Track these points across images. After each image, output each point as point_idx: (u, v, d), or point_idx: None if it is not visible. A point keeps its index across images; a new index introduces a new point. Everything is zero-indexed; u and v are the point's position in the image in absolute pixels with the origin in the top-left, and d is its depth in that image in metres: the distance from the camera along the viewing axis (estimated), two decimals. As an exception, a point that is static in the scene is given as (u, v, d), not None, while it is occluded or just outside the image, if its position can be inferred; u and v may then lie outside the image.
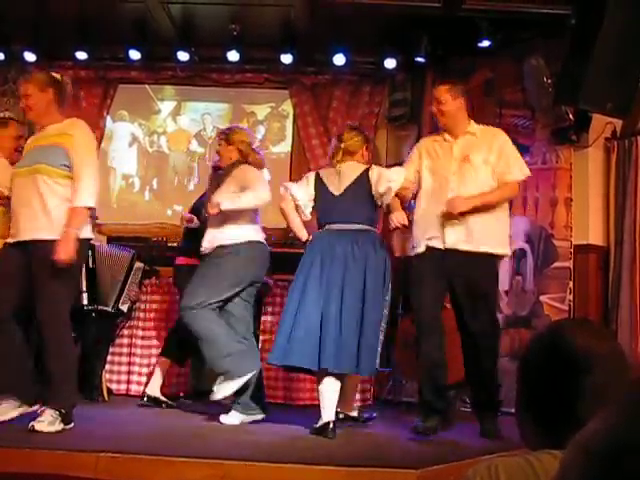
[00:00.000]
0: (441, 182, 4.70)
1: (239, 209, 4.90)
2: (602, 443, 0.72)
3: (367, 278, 4.63)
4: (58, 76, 4.44)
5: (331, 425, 4.45)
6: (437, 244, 4.64)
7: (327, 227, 4.83)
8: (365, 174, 4.85)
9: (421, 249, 4.69)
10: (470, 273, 4.56)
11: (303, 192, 4.94)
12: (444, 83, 4.88)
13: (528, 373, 1.47)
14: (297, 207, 4.93)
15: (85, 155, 4.24)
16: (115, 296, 5.96)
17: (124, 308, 6.05)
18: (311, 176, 5.04)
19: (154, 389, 5.67)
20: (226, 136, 5.27)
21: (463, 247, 4.58)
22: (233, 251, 4.94)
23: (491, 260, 4.65)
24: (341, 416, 4.89)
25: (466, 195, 4.58)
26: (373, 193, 4.78)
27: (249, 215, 5.02)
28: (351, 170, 4.90)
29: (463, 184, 4.63)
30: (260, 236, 5.09)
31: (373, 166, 4.96)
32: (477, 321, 4.58)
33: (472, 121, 4.88)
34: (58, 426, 4.10)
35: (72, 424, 4.19)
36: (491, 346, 4.66)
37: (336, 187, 4.88)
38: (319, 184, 4.93)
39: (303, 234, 4.92)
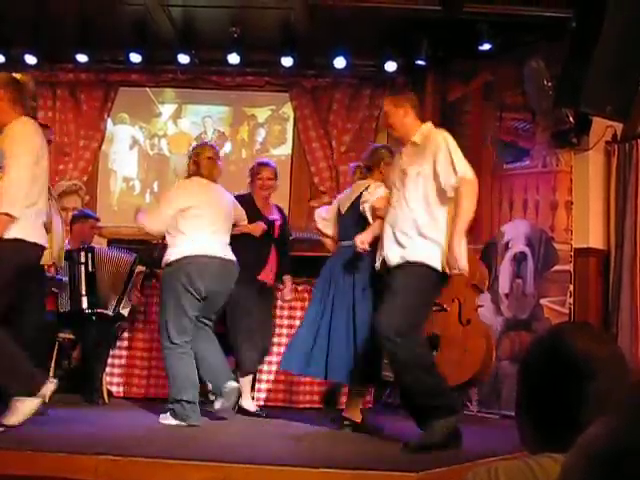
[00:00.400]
0: (390, 196, 4.56)
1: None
2: (603, 447, 0.72)
3: (355, 293, 4.81)
4: (18, 76, 4.39)
5: None
6: (381, 261, 4.49)
7: (338, 244, 5.10)
8: (364, 191, 4.97)
9: (376, 265, 4.57)
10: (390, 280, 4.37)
11: (324, 213, 5.33)
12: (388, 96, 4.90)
13: (529, 377, 1.47)
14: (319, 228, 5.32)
15: (13, 157, 4.10)
16: (116, 300, 5.96)
17: (125, 312, 6.05)
18: (337, 198, 5.42)
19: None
20: (193, 150, 5.38)
21: (392, 262, 4.37)
22: (164, 274, 5.07)
23: (412, 268, 4.27)
24: (346, 422, 4.91)
25: (411, 210, 4.34)
26: None
27: (174, 234, 5.02)
28: (358, 188, 5.04)
29: (403, 198, 4.37)
30: (194, 250, 4.96)
31: (372, 184, 4.95)
32: (380, 318, 4.28)
33: (422, 126, 4.52)
34: (32, 405, 4.13)
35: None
36: (407, 359, 4.24)
37: (343, 206, 5.10)
38: (339, 205, 5.21)
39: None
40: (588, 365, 1.35)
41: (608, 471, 0.70)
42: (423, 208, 4.32)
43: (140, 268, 6.11)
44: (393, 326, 4.18)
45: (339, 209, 5.15)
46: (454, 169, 4.24)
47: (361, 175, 5.16)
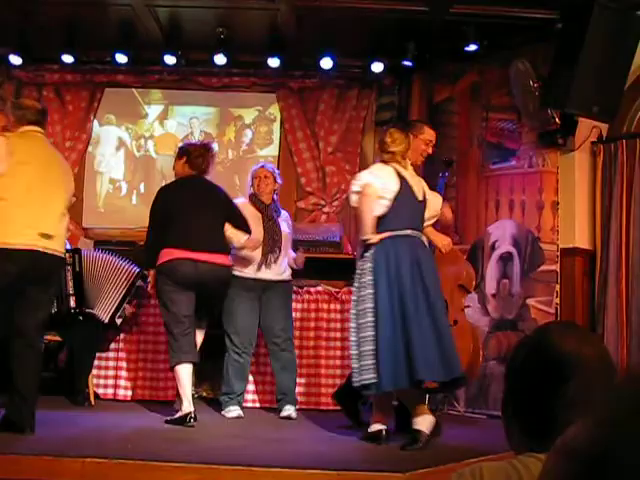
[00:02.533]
0: None
1: None
2: (582, 446, 0.72)
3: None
4: None
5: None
6: None
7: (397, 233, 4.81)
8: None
9: None
10: None
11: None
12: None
13: (514, 376, 1.47)
14: None
15: None
16: (114, 308, 5.92)
17: (119, 322, 6.01)
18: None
19: None
20: None
21: None
22: None
23: None
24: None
25: None
26: None
27: None
28: (417, 177, 4.98)
29: None
30: None
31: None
32: None
33: None
34: None
35: None
36: None
37: (416, 192, 4.84)
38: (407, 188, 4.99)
39: None
40: (572, 364, 1.35)
41: (587, 471, 0.70)
42: None
43: (140, 283, 6.06)
44: None
45: (412, 193, 4.72)
46: None
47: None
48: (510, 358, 1.51)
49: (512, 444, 1.47)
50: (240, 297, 5.62)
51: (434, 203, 4.90)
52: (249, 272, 5.66)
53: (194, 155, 5.45)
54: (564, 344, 1.40)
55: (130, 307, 6.07)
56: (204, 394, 6.32)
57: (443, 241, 4.98)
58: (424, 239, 4.70)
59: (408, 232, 4.57)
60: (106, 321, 5.89)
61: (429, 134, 5.08)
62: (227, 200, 5.50)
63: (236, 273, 5.57)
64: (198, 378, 6.13)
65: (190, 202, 5.31)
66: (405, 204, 4.60)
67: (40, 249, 4.27)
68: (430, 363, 4.28)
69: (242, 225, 5.39)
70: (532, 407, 1.40)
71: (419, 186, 4.75)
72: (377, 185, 4.55)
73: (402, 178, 4.62)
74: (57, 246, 4.40)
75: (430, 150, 5.06)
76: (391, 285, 4.43)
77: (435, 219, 4.96)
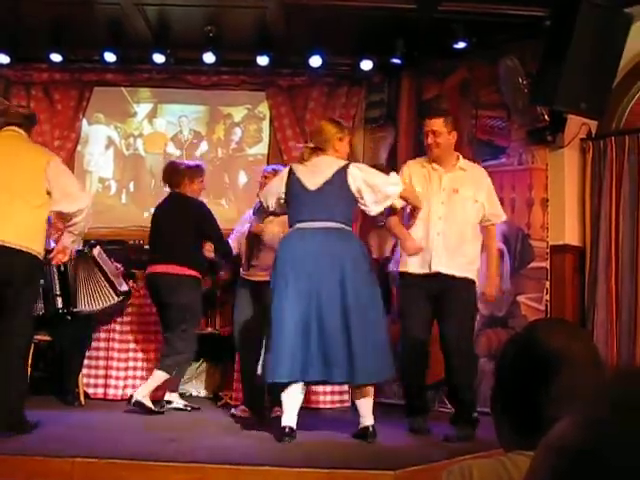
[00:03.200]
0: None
1: None
2: (569, 444, 0.71)
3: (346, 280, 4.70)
4: None
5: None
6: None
7: (301, 225, 4.82)
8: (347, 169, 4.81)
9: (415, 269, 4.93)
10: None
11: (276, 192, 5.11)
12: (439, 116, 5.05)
13: (503, 374, 1.47)
14: None
15: None
16: (110, 286, 6.01)
17: (125, 288, 6.14)
18: (280, 175, 5.03)
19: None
20: None
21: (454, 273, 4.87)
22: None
23: (471, 285, 4.92)
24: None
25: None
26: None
27: None
28: (326, 164, 4.76)
29: (452, 213, 4.90)
30: None
31: (351, 163, 4.80)
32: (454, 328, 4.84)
33: (459, 154, 5.11)
34: None
35: None
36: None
37: (310, 183, 4.73)
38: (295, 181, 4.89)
39: None
40: (560, 360, 1.35)
41: (575, 468, 0.69)
42: (469, 227, 4.94)
43: (96, 250, 6.06)
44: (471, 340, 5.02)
45: (300, 186, 4.65)
46: (499, 208, 5.14)
47: (313, 154, 4.72)
48: (499, 355, 1.51)
49: (502, 441, 1.47)
50: (243, 297, 5.77)
51: (382, 184, 4.65)
52: (246, 273, 5.83)
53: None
54: (553, 340, 1.39)
55: (117, 270, 6.21)
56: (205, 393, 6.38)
57: (406, 242, 4.84)
58: (331, 228, 4.54)
59: (301, 225, 4.58)
60: (117, 298, 6.07)
61: (425, 125, 5.03)
62: (196, 213, 5.78)
63: (243, 274, 5.85)
64: (198, 378, 6.16)
65: (161, 218, 5.86)
66: (293, 199, 4.68)
67: None
68: (287, 364, 4.34)
69: (214, 241, 5.77)
70: (521, 404, 1.40)
71: (318, 175, 4.64)
72: (268, 191, 4.89)
73: (291, 175, 4.70)
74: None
75: (431, 140, 4.93)
76: (276, 284, 4.51)
77: (386, 203, 4.69)
